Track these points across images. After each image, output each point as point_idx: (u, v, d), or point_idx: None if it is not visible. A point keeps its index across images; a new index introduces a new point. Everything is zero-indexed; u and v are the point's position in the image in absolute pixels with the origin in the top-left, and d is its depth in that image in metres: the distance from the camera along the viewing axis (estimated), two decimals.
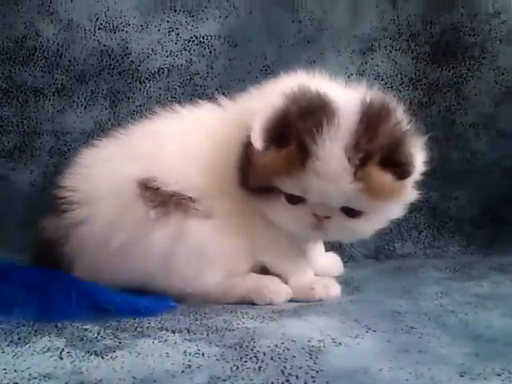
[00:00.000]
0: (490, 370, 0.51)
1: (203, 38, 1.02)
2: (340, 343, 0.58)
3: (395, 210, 0.74)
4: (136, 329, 0.64)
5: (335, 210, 0.69)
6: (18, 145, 1.02)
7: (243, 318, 0.68)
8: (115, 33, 1.00)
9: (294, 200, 0.70)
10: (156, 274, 0.72)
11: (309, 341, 0.58)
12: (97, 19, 1.00)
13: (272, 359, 0.54)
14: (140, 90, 1.02)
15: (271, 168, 0.68)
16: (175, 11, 1.00)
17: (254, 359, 0.54)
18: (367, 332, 0.62)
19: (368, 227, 0.73)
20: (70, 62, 1.00)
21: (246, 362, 0.53)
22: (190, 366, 0.53)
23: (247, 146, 0.69)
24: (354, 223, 0.71)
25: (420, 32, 1.01)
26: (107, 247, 0.71)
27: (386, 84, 1.01)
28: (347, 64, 1.00)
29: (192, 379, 0.50)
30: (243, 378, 0.50)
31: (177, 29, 1.01)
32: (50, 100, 1.01)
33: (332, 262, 0.92)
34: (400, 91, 1.01)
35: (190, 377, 0.50)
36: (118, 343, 0.59)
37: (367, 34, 1.02)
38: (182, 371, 0.52)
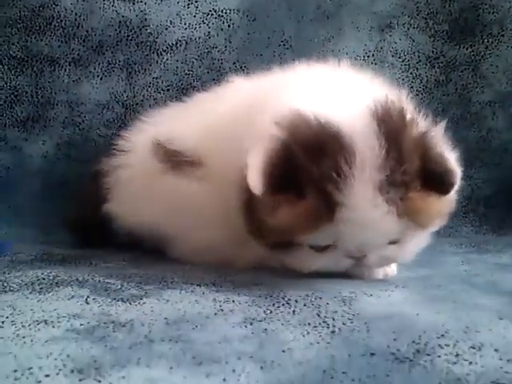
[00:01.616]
0: None
1: (222, 11, 1.01)
2: (371, 294, 0.57)
3: (434, 227, 0.64)
4: (160, 282, 0.63)
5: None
6: (32, 115, 1.01)
7: (267, 275, 0.66)
8: (134, 4, 0.99)
9: (320, 247, 0.60)
10: (163, 222, 0.77)
11: (339, 292, 0.58)
12: None
13: (305, 305, 0.53)
14: (157, 62, 1.01)
15: (289, 227, 0.57)
16: None
17: (287, 305, 0.53)
18: (396, 287, 0.61)
19: (408, 250, 0.63)
20: (87, 32, 0.99)
21: (278, 307, 0.53)
22: (222, 310, 0.52)
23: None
24: (397, 250, 0.62)
25: (438, 10, 1.01)
26: (129, 190, 0.81)
27: (403, 61, 1.01)
28: (365, 40, 1.00)
29: (226, 320, 0.49)
30: (279, 320, 0.49)
31: (196, 1, 1.00)
32: (65, 70, 1.00)
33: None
34: (417, 69, 1.01)
35: (224, 318, 0.49)
36: (143, 293, 0.58)
37: (386, 11, 1.01)
38: (215, 314, 0.51)
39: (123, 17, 1.00)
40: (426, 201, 0.57)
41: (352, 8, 1.01)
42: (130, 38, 1.00)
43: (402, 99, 0.60)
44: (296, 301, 0.54)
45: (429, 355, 0.41)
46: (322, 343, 0.43)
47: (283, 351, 0.42)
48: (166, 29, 1.01)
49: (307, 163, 0.55)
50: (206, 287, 0.61)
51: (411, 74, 1.01)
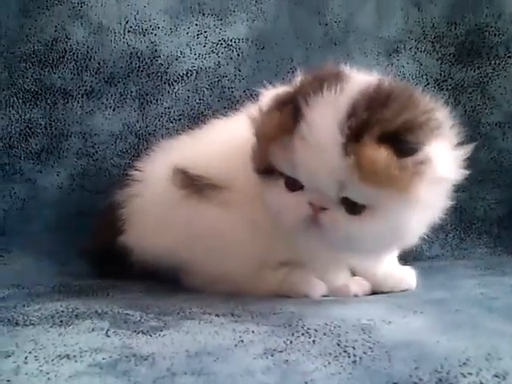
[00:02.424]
0: None
1: (231, 40, 1.03)
2: (390, 322, 0.57)
3: (405, 210, 0.60)
4: (178, 313, 0.63)
5: (333, 201, 0.61)
6: (46, 147, 1.02)
7: (285, 304, 0.66)
8: (144, 36, 1.01)
9: (292, 186, 0.63)
10: (181, 250, 0.76)
11: (358, 320, 0.57)
12: (126, 22, 1.01)
13: (325, 334, 0.53)
14: (168, 92, 1.03)
15: (264, 134, 0.64)
16: (203, 15, 1.02)
17: (307, 334, 0.53)
18: (414, 314, 0.61)
19: (370, 229, 0.61)
20: (99, 64, 1.01)
21: (298, 337, 0.53)
22: (242, 341, 0.52)
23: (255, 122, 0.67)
24: (355, 222, 0.61)
25: (445, 33, 1.02)
26: (145, 220, 0.81)
27: (411, 85, 1.02)
28: (373, 65, 1.01)
29: (247, 351, 0.49)
30: (299, 350, 0.49)
31: (205, 32, 1.02)
32: (78, 102, 1.01)
33: (404, 275, 0.80)
34: (425, 92, 1.02)
35: (245, 349, 0.50)
36: (163, 324, 0.58)
37: (392, 36, 1.03)
38: (235, 345, 0.51)
39: (134, 48, 1.02)
40: (374, 151, 0.56)
41: (359, 34, 1.02)
42: (141, 69, 1.02)
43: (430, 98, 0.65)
44: (316, 330, 0.54)
45: None
46: (343, 373, 0.44)
47: (306, 382, 0.42)
48: (177, 59, 1.02)
49: (303, 86, 0.63)
50: (225, 317, 0.61)
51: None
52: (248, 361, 0.47)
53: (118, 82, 1.02)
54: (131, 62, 1.02)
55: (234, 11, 1.02)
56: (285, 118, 0.61)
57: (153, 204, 0.81)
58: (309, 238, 0.66)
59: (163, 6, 1.02)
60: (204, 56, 1.03)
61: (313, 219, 0.62)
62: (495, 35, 1.01)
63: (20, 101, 1.01)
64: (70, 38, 1.01)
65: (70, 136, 1.02)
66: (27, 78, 1.01)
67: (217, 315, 0.62)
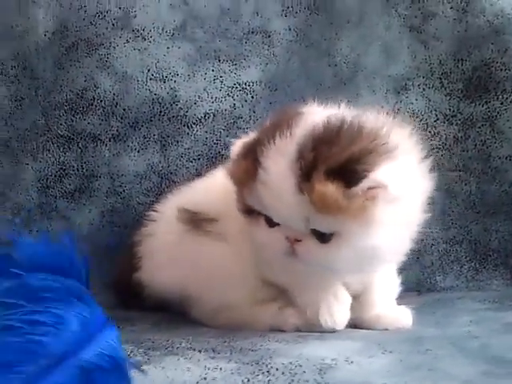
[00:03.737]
0: None
1: (245, 84, 1.09)
2: (352, 361, 0.60)
3: (367, 234, 0.66)
4: (167, 348, 0.68)
5: (304, 234, 0.67)
6: (78, 187, 1.11)
7: (269, 340, 0.71)
8: (165, 82, 1.09)
9: (270, 222, 0.70)
10: (185, 282, 0.83)
11: (322, 359, 0.61)
12: (148, 70, 1.09)
13: (283, 373, 0.57)
14: (188, 133, 1.09)
15: (235, 180, 0.72)
16: (219, 60, 1.08)
17: (266, 373, 0.57)
18: (383, 353, 0.63)
19: (340, 254, 0.67)
20: (124, 110, 1.09)
21: (257, 375, 0.57)
22: (205, 379, 0.56)
23: None
24: (326, 249, 0.67)
25: (452, 69, 1.03)
26: (157, 256, 0.89)
27: (421, 121, 1.04)
28: (382, 103, 1.04)
29: None
30: None
31: (221, 77, 1.09)
32: (106, 145, 1.10)
33: (398, 315, 0.81)
34: (435, 127, 1.04)
35: None
36: (147, 359, 0.63)
37: (400, 74, 1.05)
38: (197, 382, 0.55)
39: (155, 95, 1.09)
40: (323, 186, 0.62)
41: (368, 73, 1.05)
42: (162, 113, 1.09)
43: (384, 121, 0.70)
44: (277, 369, 0.58)
45: None
46: None
47: None
48: (195, 103, 1.09)
49: (263, 134, 0.71)
50: (205, 353, 0.65)
51: (429, 132, 1.03)
52: None
53: (142, 126, 1.10)
54: (153, 108, 1.09)
55: (248, 56, 1.08)
56: (248, 166, 0.69)
57: (162, 241, 0.89)
58: (293, 264, 0.72)
59: (181, 54, 1.09)
60: (220, 99, 1.09)
61: (291, 251, 0.69)
62: (501, 70, 1.01)
63: (55, 145, 1.11)
64: (97, 87, 1.10)
65: (100, 177, 1.10)
66: (61, 124, 1.11)
67: (199, 351, 0.66)
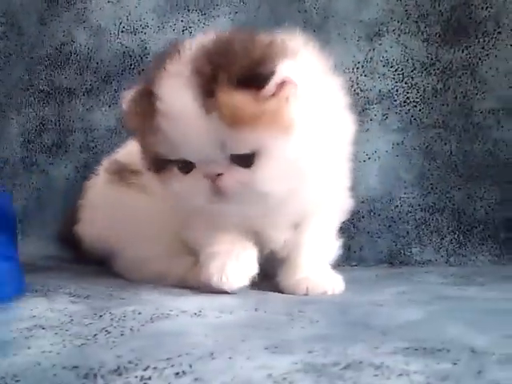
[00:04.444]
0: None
1: None
2: (199, 315, 0.55)
3: (289, 140, 0.59)
4: (42, 291, 0.67)
5: (223, 164, 0.60)
6: (56, 141, 1.12)
7: (154, 292, 0.66)
8: (135, 35, 1.06)
9: (185, 168, 0.62)
10: (109, 235, 0.80)
11: (170, 310, 0.56)
12: (120, 23, 1.07)
13: (112, 319, 0.53)
14: None
15: (135, 129, 0.65)
16: (189, 11, 1.03)
17: (99, 317, 0.54)
18: (246, 311, 0.57)
19: (267, 173, 0.60)
20: (97, 63, 1.08)
21: (93, 318, 0.54)
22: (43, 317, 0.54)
23: None
24: (251, 173, 0.60)
25: (429, 11, 0.90)
26: (90, 209, 0.87)
27: (395, 71, 0.93)
28: (354, 51, 0.94)
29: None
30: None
31: (190, 27, 1.04)
32: (80, 100, 1.10)
33: (325, 281, 0.71)
34: (412, 78, 0.92)
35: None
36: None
37: (373, 19, 0.94)
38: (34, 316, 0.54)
39: (126, 47, 1.07)
40: (233, 96, 0.56)
41: (338, 18, 0.95)
42: (132, 66, 1.07)
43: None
44: (111, 313, 0.55)
45: None
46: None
47: None
48: None
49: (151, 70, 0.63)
50: (67, 296, 0.64)
51: (406, 83, 0.92)
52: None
53: (113, 80, 1.08)
54: (124, 61, 1.07)
55: (218, 5, 1.02)
56: (143, 107, 0.61)
57: (94, 193, 0.87)
58: (219, 212, 0.64)
59: (152, 5, 1.05)
60: None
61: (214, 190, 0.61)
62: (482, 8, 0.87)
63: (36, 100, 1.13)
64: (74, 42, 1.10)
65: (75, 131, 1.10)
66: (41, 79, 1.12)
67: (67, 294, 0.65)
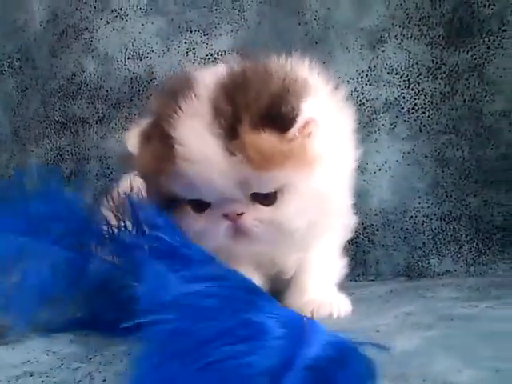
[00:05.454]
0: None
1: (218, 54, 1.03)
2: None
3: (313, 175, 0.58)
4: None
5: (245, 203, 0.58)
6: (73, 171, 1.14)
7: None
8: (141, 60, 1.07)
9: (199, 207, 0.60)
10: None
11: None
12: (126, 50, 1.07)
13: None
14: None
15: (146, 171, 0.60)
16: (191, 32, 1.03)
17: None
18: None
19: (290, 208, 0.58)
20: (107, 91, 1.10)
21: None
22: None
23: None
24: (275, 210, 0.58)
25: (430, 13, 0.87)
26: None
27: (401, 77, 0.89)
28: (357, 60, 0.92)
29: None
30: None
31: (194, 48, 1.04)
32: (93, 128, 1.11)
33: (331, 302, 0.68)
34: (418, 84, 0.88)
35: None
36: None
37: (375, 25, 0.91)
38: None
39: (134, 73, 1.08)
40: (256, 137, 0.54)
41: (339, 28, 0.93)
42: (141, 92, 1.08)
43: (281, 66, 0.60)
44: None
45: None
46: None
47: None
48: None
49: (158, 109, 0.60)
50: None
51: (412, 90, 0.89)
52: None
53: (123, 106, 1.09)
54: (132, 87, 1.08)
55: (219, 24, 1.02)
56: (158, 148, 0.58)
57: None
58: (237, 251, 0.61)
59: (155, 29, 1.06)
60: None
61: (235, 229, 0.59)
62: (485, 6, 0.83)
63: (52, 131, 1.15)
64: (84, 71, 1.11)
65: (90, 160, 1.12)
66: (56, 110, 1.14)
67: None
